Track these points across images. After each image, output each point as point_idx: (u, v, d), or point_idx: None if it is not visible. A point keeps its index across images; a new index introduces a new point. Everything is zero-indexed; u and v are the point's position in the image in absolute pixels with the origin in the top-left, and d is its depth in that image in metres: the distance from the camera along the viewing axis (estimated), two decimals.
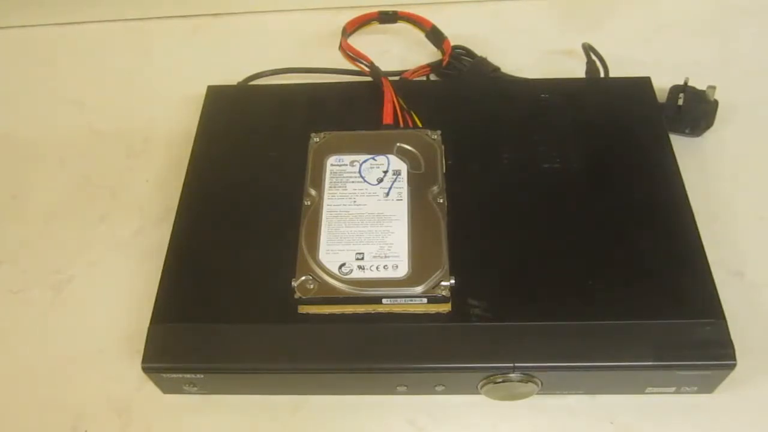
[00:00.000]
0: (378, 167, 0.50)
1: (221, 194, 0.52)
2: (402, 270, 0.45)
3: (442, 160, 0.51)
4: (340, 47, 0.62)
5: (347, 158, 0.51)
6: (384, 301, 0.44)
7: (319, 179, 0.50)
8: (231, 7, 0.73)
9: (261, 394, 0.48)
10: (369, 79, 0.59)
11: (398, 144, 0.51)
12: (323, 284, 0.45)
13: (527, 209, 0.49)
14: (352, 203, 0.48)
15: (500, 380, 0.43)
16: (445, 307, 0.44)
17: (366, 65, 0.60)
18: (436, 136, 0.52)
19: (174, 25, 0.73)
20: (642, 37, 0.68)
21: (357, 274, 0.45)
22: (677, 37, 0.68)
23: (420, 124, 0.54)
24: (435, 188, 0.49)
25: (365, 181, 0.49)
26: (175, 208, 0.51)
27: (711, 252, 0.46)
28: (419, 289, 0.44)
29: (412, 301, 0.44)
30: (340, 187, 0.49)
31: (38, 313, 0.53)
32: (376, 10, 0.65)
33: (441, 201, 0.48)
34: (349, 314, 0.45)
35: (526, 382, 0.43)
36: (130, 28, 0.73)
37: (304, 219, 0.48)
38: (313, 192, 0.49)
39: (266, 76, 0.64)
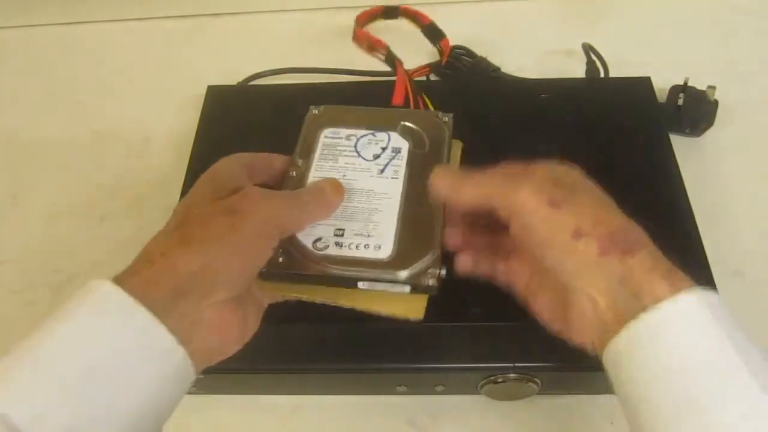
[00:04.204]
0: (376, 143, 0.45)
1: None
2: (385, 251, 0.39)
3: (449, 143, 0.45)
4: (354, 37, 0.62)
5: (344, 131, 0.46)
6: (360, 285, 0.38)
7: (309, 150, 0.44)
8: (231, 7, 0.73)
9: (261, 394, 0.48)
10: (369, 78, 0.59)
11: (403, 122, 0.46)
12: (291, 258, 0.38)
13: None
14: (341, 177, 0.43)
15: (500, 380, 0.43)
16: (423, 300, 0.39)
17: (382, 53, 0.61)
18: (447, 119, 0.46)
19: (174, 25, 0.73)
20: (642, 37, 0.68)
21: (332, 251, 0.39)
22: (677, 37, 0.68)
23: (432, 108, 0.52)
24: None
25: (360, 155, 0.44)
26: None
27: (711, 252, 0.46)
28: (403, 274, 0.38)
29: (393, 287, 0.38)
30: (330, 159, 0.44)
31: (38, 313, 0.53)
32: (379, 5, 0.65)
33: None
34: (340, 310, 0.40)
35: (526, 382, 0.43)
36: (130, 28, 0.73)
37: (286, 189, 0.42)
38: (300, 162, 0.44)
39: (266, 76, 0.64)
